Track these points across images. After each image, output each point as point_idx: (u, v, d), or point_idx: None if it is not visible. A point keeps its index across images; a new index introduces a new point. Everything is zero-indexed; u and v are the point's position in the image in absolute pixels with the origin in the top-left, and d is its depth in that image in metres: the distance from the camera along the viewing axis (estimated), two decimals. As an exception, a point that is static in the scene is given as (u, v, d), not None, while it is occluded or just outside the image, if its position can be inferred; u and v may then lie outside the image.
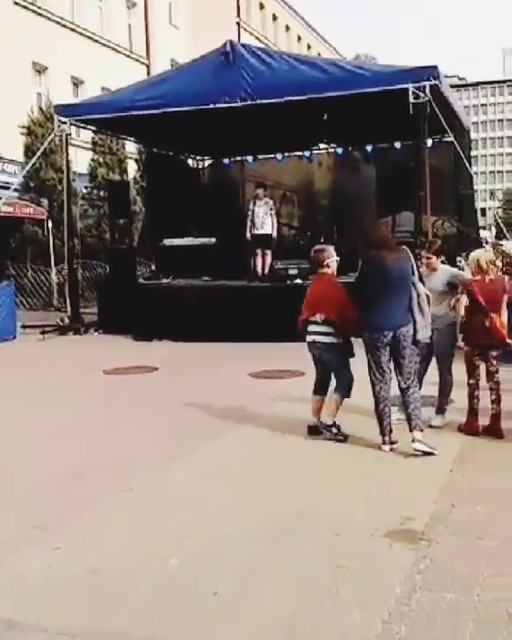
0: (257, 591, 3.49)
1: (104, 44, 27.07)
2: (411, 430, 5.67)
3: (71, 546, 4.07)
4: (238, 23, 37.06)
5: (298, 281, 12.43)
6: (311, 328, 6.26)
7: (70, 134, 14.37)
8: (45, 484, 5.13)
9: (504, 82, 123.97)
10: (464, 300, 6.33)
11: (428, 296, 5.83)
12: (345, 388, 6.21)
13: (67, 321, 13.90)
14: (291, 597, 3.42)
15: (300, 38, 46.49)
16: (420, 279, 5.96)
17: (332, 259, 6.41)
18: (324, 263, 6.38)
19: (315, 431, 6.29)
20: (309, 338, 6.30)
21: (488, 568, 3.64)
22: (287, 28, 44.72)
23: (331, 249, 6.58)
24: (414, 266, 5.90)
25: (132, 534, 4.22)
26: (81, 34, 25.67)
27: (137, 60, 29.43)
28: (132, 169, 23.41)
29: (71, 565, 3.81)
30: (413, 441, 5.61)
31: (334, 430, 6.12)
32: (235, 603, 3.39)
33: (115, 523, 4.43)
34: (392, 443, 5.79)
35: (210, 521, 4.39)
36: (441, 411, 6.57)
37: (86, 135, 20.10)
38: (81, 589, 3.55)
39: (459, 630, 3.09)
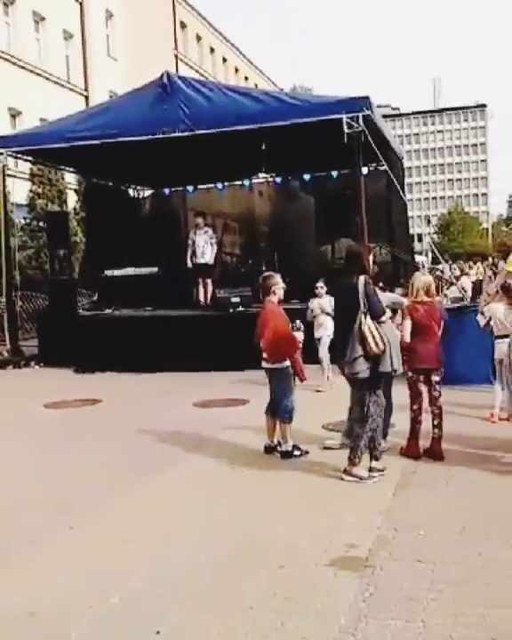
0: (201, 628, 3.43)
1: (41, 75, 26.98)
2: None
3: (9, 587, 3.94)
4: (176, 55, 37.47)
5: (240, 309, 12.47)
6: (263, 354, 6.52)
7: (7, 165, 14.21)
8: (-18, 525, 4.97)
9: (435, 111, 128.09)
10: (408, 324, 6.42)
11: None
12: (284, 413, 6.41)
13: (6, 354, 13.61)
14: (235, 633, 3.37)
15: (237, 70, 47.22)
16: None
17: (278, 285, 6.59)
18: (271, 290, 6.55)
19: (271, 451, 6.51)
20: (263, 363, 6.60)
21: (431, 592, 3.67)
22: (224, 59, 45.40)
23: (277, 276, 6.75)
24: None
25: (73, 573, 4.11)
26: (17, 65, 25.54)
27: (75, 91, 29.40)
28: (72, 199, 23.24)
29: (8, 607, 3.68)
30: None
31: (296, 453, 6.38)
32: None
33: (55, 562, 4.30)
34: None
35: (153, 556, 4.32)
36: (383, 434, 6.63)
37: (24, 166, 19.89)
38: (19, 633, 3.44)
39: (404, 657, 3.09)
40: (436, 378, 6.33)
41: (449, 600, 3.60)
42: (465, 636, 3.25)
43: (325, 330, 9.52)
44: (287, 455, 6.40)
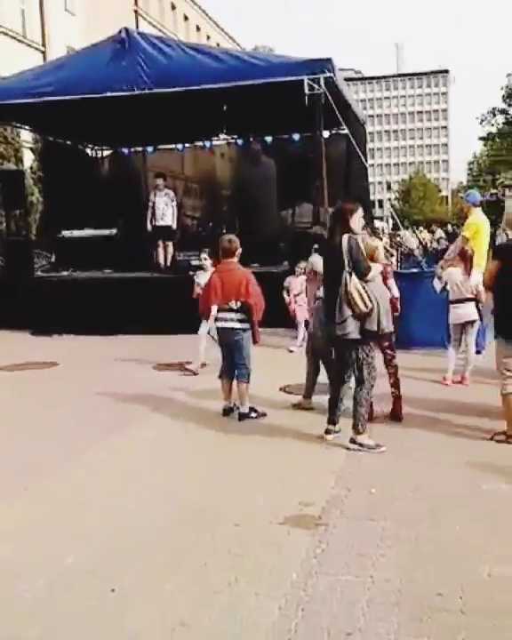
0: (155, 586, 3.47)
1: (-4, 29, 26.08)
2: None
3: (-38, 549, 3.94)
4: (136, 11, 36.53)
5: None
6: (224, 315, 6.50)
7: (-40, 122, 13.78)
8: None
9: (397, 76, 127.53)
10: None
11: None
12: (245, 375, 6.51)
13: (-40, 316, 13.35)
14: (189, 590, 3.42)
15: (198, 28, 46.31)
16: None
17: (239, 249, 6.67)
18: (235, 253, 6.60)
19: (229, 412, 6.59)
20: (221, 324, 6.57)
21: (380, 549, 3.77)
22: (186, 17, 44.44)
23: (237, 240, 6.76)
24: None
25: (27, 535, 4.11)
26: (-30, 17, 24.65)
27: (31, 46, 28.51)
28: (29, 158, 22.68)
29: (-38, 569, 3.68)
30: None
31: (253, 414, 6.48)
32: (132, 599, 3.36)
33: (8, 524, 4.30)
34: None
35: (108, 518, 4.34)
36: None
37: (-22, 123, 19.32)
38: (-28, 593, 3.44)
39: (353, 611, 3.18)
40: (385, 342, 6.38)
41: (398, 556, 3.70)
42: (412, 591, 3.35)
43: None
44: (244, 416, 6.47)
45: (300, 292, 10.28)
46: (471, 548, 3.77)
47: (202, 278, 9.20)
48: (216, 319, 6.64)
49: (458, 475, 4.91)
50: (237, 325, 6.51)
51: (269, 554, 3.76)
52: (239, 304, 6.43)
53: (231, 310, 6.48)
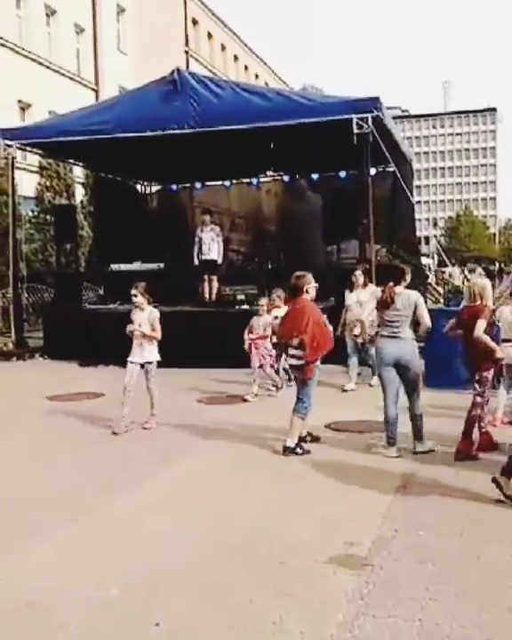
0: (200, 622, 3.45)
1: (52, 68, 27.02)
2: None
3: (9, 577, 3.97)
4: (186, 51, 37.47)
5: (245, 306, 12.48)
6: (290, 351, 6.66)
7: (16, 157, 14.25)
8: (-16, 515, 5.00)
9: (445, 114, 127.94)
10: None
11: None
12: (303, 409, 6.55)
13: (11, 346, 13.66)
14: (234, 627, 3.39)
15: (247, 68, 47.20)
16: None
17: (311, 285, 6.71)
18: (304, 289, 6.67)
19: (291, 451, 6.54)
20: (289, 361, 6.81)
21: (428, 592, 3.68)
22: (235, 57, 45.38)
23: (310, 276, 6.86)
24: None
25: (74, 565, 4.14)
26: (28, 57, 25.58)
27: (85, 85, 29.45)
28: (80, 193, 23.30)
29: (8, 597, 3.71)
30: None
31: (299, 451, 6.47)
32: (177, 633, 3.34)
33: (56, 553, 4.33)
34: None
35: (155, 551, 4.34)
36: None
37: (33, 159, 19.96)
38: (18, 622, 3.46)
39: (400, 655, 3.11)
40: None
41: (447, 601, 3.61)
42: (462, 635, 3.27)
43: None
44: (289, 450, 6.45)
45: (265, 336, 9.42)
46: (523, 595, 3.67)
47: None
48: (287, 355, 6.87)
49: (506, 517, 4.79)
50: (295, 362, 6.61)
51: (315, 593, 3.71)
52: (297, 341, 6.50)
53: (293, 347, 6.58)
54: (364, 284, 10.13)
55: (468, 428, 6.37)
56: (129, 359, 7.74)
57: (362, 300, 9.85)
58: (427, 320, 6.38)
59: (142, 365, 7.73)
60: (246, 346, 9.41)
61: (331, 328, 7.02)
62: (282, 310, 9.27)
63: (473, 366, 6.53)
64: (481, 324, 6.24)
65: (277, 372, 9.63)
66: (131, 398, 7.55)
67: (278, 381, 9.47)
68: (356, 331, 9.71)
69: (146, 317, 7.79)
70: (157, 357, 7.78)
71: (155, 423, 7.65)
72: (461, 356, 6.92)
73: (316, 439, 6.80)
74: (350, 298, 10.06)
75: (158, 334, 7.71)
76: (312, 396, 6.60)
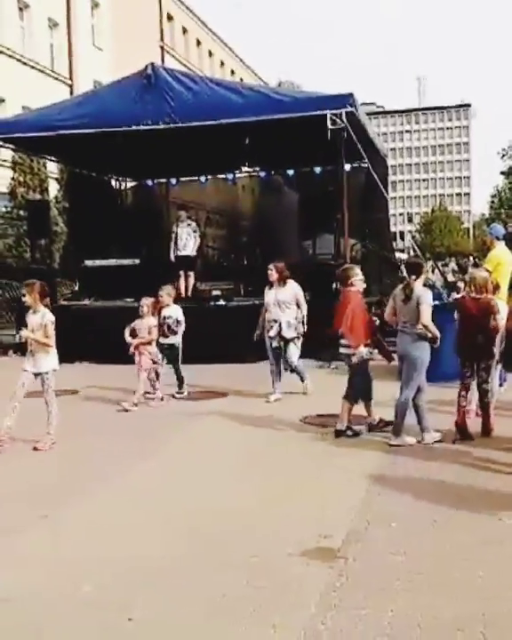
0: (173, 615, 3.46)
1: (25, 63, 26.75)
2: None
3: (-19, 575, 3.95)
4: (162, 47, 37.31)
5: (221, 302, 12.48)
6: (340, 340, 6.91)
7: (-12, 153, 14.11)
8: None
9: (419, 110, 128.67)
10: None
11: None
12: (351, 395, 6.84)
13: (-17, 343, 13.51)
14: (208, 619, 3.40)
15: (223, 63, 47.12)
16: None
17: (356, 277, 6.95)
18: (349, 282, 6.89)
19: (341, 434, 6.80)
20: (340, 349, 7.02)
21: (400, 583, 3.72)
22: (210, 53, 45.28)
23: (356, 268, 7.20)
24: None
25: (45, 561, 4.12)
26: (1, 51, 25.30)
27: (59, 80, 29.20)
28: (54, 188, 23.11)
29: (-19, 596, 3.69)
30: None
31: (349, 432, 6.77)
32: (149, 628, 3.34)
33: (27, 550, 4.30)
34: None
35: (125, 546, 4.33)
36: None
37: (6, 154, 19.75)
38: (-10, 620, 3.45)
39: (372, 646, 3.14)
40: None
41: (419, 591, 3.65)
42: (433, 625, 3.31)
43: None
44: (340, 433, 6.72)
45: (149, 340, 8.76)
46: (493, 584, 3.72)
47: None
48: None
49: (480, 508, 4.85)
50: (344, 351, 6.94)
51: (288, 586, 3.73)
52: (341, 331, 6.79)
53: (339, 336, 6.88)
54: (281, 280, 8.91)
55: (486, 416, 6.73)
56: (23, 366, 6.91)
57: (280, 300, 8.80)
58: (423, 317, 6.34)
59: (37, 375, 6.83)
60: (131, 350, 8.70)
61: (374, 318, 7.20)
62: (172, 309, 9.15)
63: (479, 356, 6.71)
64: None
65: (177, 376, 9.07)
66: (16, 411, 6.66)
67: (159, 393, 8.73)
68: (272, 332, 8.72)
69: (38, 321, 6.84)
70: (54, 366, 6.91)
71: (49, 444, 6.64)
72: (457, 349, 6.95)
73: (388, 424, 6.81)
74: (268, 296, 8.94)
75: (50, 341, 6.80)
76: (362, 383, 6.85)
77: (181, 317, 9.22)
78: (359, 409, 7.08)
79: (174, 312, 9.20)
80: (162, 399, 8.70)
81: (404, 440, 6.48)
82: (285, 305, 8.76)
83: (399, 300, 6.56)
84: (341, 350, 6.97)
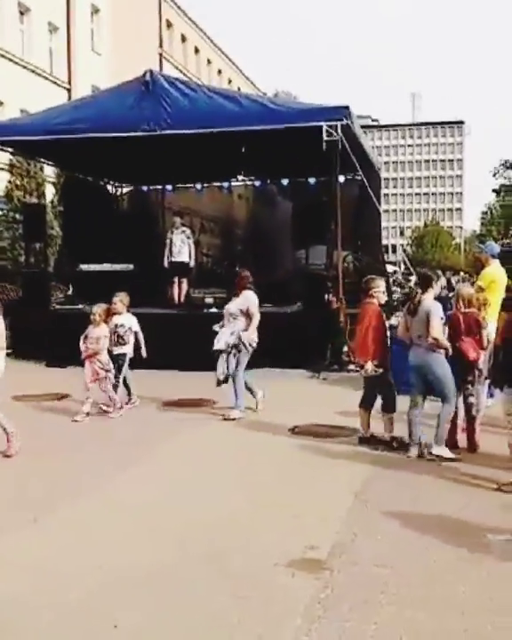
0: (158, 623, 3.47)
1: (24, 67, 26.78)
2: None
3: (-32, 580, 3.95)
4: (161, 54, 37.42)
5: (213, 309, 12.50)
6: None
7: (-15, 155, 14.11)
8: None
9: (414, 125, 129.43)
10: None
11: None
12: (389, 405, 6.86)
13: (-26, 346, 13.45)
14: (193, 628, 3.42)
15: (220, 72, 47.27)
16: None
17: (376, 289, 6.92)
18: (369, 293, 6.88)
19: (365, 441, 6.87)
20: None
21: (385, 596, 3.75)
22: (208, 61, 45.43)
23: (379, 280, 7.12)
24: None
25: (33, 567, 4.12)
26: (0, 55, 25.32)
27: (58, 85, 29.23)
28: (50, 192, 23.08)
29: (-33, 600, 3.69)
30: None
31: (394, 444, 6.74)
32: (135, 635, 3.36)
33: (15, 556, 4.31)
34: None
35: (113, 553, 4.34)
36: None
37: (3, 157, 19.73)
38: (-24, 625, 3.45)
39: (355, 658, 3.16)
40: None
41: (403, 605, 3.67)
42: (416, 639, 3.33)
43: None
44: (389, 445, 6.76)
45: (98, 350, 8.34)
46: (475, 600, 3.75)
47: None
48: None
49: (465, 524, 4.88)
50: (352, 366, 7.21)
51: (273, 597, 3.75)
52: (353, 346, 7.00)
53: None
54: (240, 287, 8.47)
55: (472, 431, 6.80)
56: None
57: (231, 311, 8.38)
58: (433, 330, 6.30)
59: None
60: (82, 357, 8.42)
61: (387, 332, 7.12)
62: (124, 317, 8.84)
63: (466, 371, 6.73)
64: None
65: (119, 387, 8.65)
66: None
67: (116, 400, 8.41)
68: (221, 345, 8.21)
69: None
70: None
71: (15, 448, 6.51)
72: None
73: (401, 444, 6.76)
74: (227, 308, 8.55)
75: None
76: (391, 393, 6.85)
77: (136, 326, 8.88)
78: (347, 420, 7.12)
79: (127, 320, 8.87)
80: (121, 407, 8.43)
81: (444, 451, 6.47)
82: (232, 316, 8.30)
83: (407, 313, 6.55)
84: (351, 365, 7.01)
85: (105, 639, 3.32)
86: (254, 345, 8.31)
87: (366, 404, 6.99)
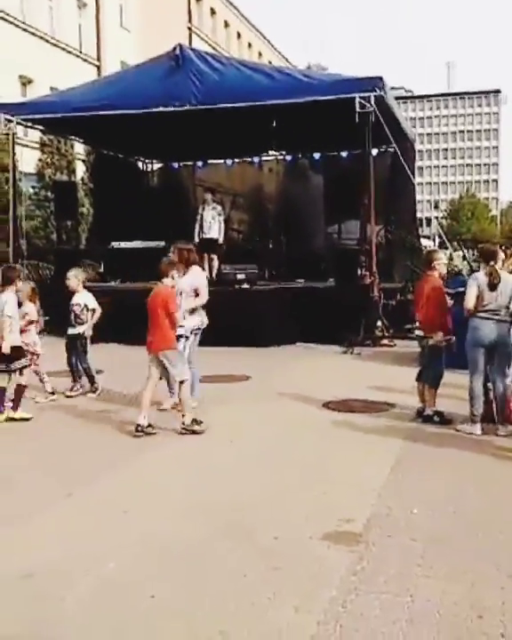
0: (194, 594, 3.50)
1: (54, 44, 26.76)
2: None
3: (6, 549, 4.01)
4: (189, 28, 37.08)
5: (245, 286, 12.48)
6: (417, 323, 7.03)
7: (17, 133, 14.16)
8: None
9: (448, 95, 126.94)
10: None
11: None
12: (432, 379, 6.81)
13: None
14: (228, 599, 3.43)
15: (250, 45, 46.76)
16: None
17: (438, 261, 6.97)
18: (432, 265, 6.91)
19: (421, 415, 6.87)
20: (415, 332, 7.14)
21: (420, 568, 3.73)
22: (239, 35, 44.95)
23: (440, 252, 7.35)
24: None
25: (70, 539, 4.18)
26: (30, 33, 25.32)
27: (87, 61, 29.18)
28: (81, 170, 23.17)
29: (5, 569, 3.75)
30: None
31: (436, 419, 6.71)
32: (171, 605, 3.39)
33: (52, 528, 4.37)
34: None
35: (149, 526, 4.38)
36: None
37: (34, 135, 19.81)
38: (14, 594, 3.51)
39: (392, 630, 3.15)
40: None
41: (439, 577, 3.65)
42: (452, 611, 3.31)
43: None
44: (428, 419, 6.71)
45: (23, 330, 7.74)
46: (514, 572, 3.72)
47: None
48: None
49: (501, 497, 4.83)
50: (418, 333, 7.01)
51: (309, 569, 3.75)
52: (419, 316, 6.91)
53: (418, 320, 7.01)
54: (184, 263, 7.37)
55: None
56: None
57: (180, 288, 7.27)
58: (466, 301, 6.36)
59: None
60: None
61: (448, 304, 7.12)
62: (81, 295, 8.50)
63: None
64: None
65: (83, 371, 8.40)
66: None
67: (49, 387, 8.14)
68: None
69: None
70: None
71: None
72: None
73: (442, 418, 6.76)
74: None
75: None
76: (439, 366, 6.78)
77: (93, 304, 8.48)
78: (381, 394, 7.06)
79: (83, 298, 8.49)
80: (53, 393, 8.09)
81: (508, 429, 6.34)
82: (185, 294, 7.37)
83: (485, 286, 6.33)
84: (416, 332, 7.06)
85: (142, 608, 3.35)
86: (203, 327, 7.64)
87: (424, 378, 6.94)
